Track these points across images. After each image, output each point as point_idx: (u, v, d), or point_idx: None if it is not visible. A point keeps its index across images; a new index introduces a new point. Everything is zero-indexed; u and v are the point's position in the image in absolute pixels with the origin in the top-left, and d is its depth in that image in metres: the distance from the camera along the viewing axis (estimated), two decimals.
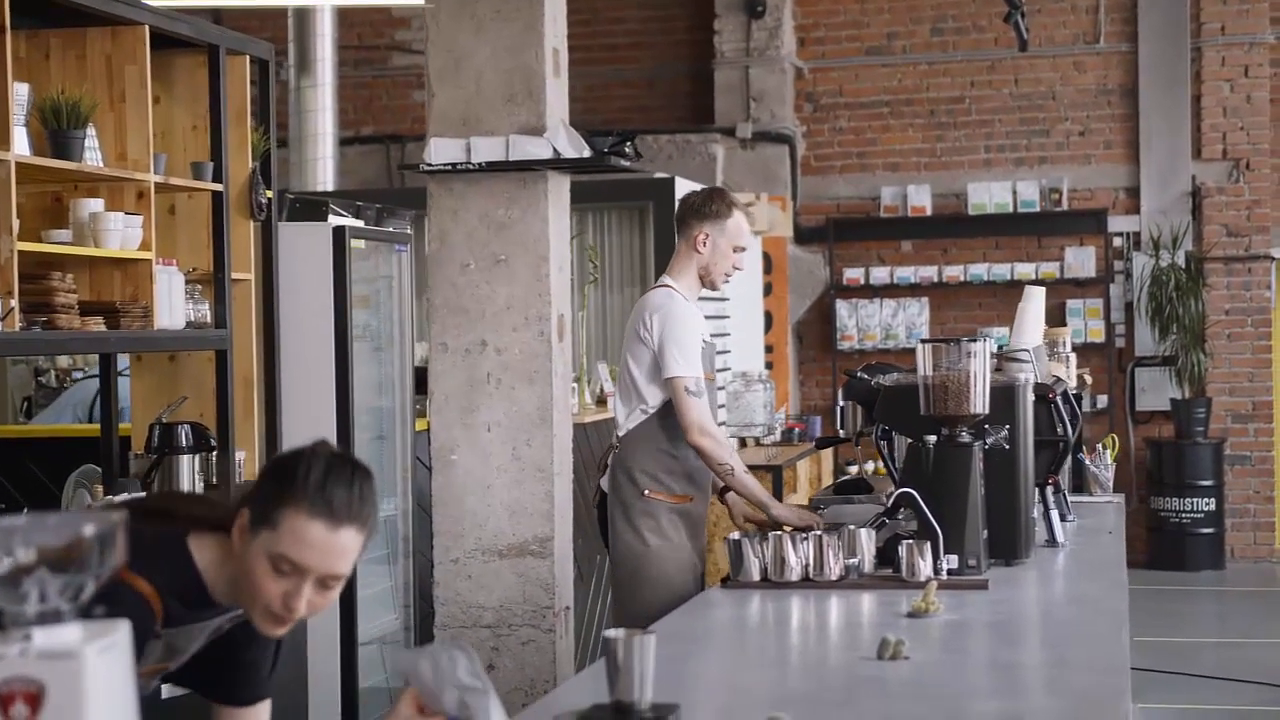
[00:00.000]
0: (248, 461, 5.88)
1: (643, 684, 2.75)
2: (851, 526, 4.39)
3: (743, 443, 10.16)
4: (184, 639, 2.76)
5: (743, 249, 5.38)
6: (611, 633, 2.74)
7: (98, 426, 5.82)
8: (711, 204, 5.35)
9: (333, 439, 6.41)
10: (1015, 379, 4.67)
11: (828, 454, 11.44)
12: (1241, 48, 12.59)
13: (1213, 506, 12.31)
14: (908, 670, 3.20)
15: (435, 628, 5.70)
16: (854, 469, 12.19)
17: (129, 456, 5.66)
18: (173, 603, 2.66)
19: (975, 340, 4.43)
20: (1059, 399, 5.04)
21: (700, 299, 8.32)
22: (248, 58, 5.87)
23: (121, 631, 1.78)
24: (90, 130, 4.90)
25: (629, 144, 6.22)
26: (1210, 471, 12.33)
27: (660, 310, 5.21)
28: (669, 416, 5.20)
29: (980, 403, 4.40)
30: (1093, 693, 2.97)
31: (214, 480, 5.62)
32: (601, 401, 8.18)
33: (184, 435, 5.43)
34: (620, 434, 5.34)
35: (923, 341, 4.47)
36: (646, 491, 5.23)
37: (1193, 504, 12.29)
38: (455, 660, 2.57)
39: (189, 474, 5.43)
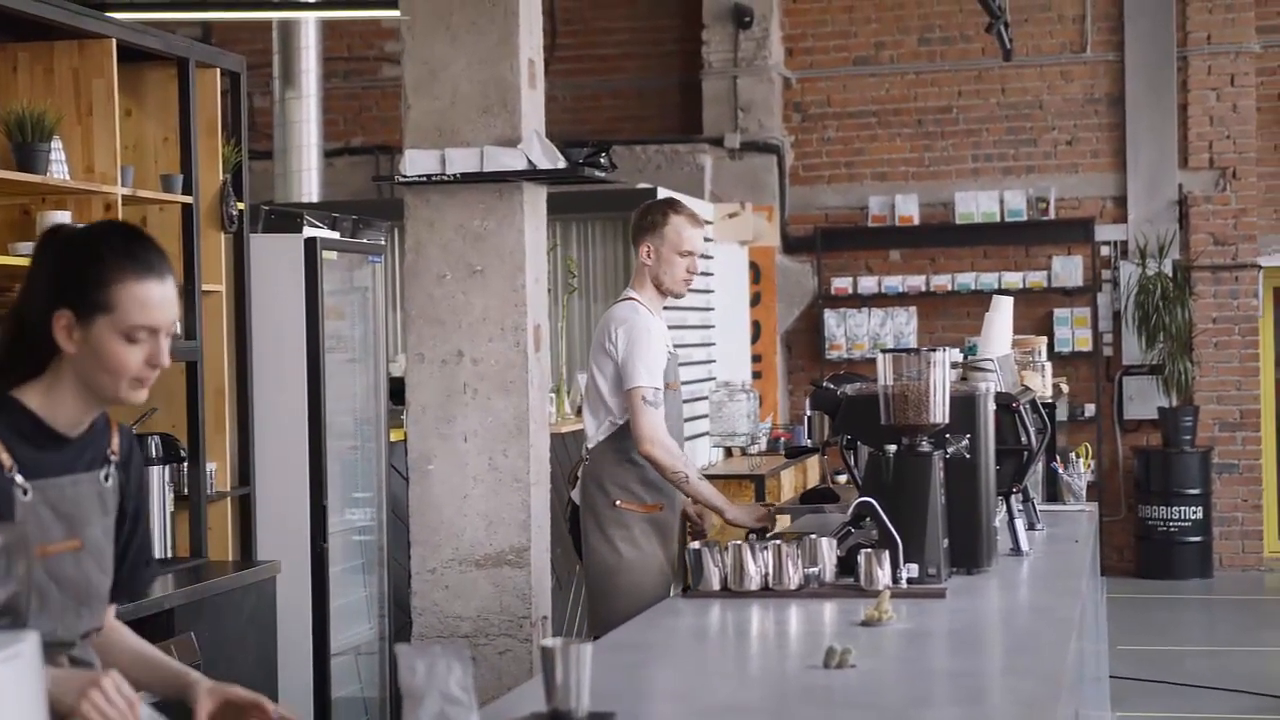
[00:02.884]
0: (219, 473, 5.89)
1: (579, 693, 2.77)
2: (813, 535, 4.41)
3: (727, 452, 10.18)
4: (61, 495, 2.74)
5: (689, 253, 5.38)
6: (548, 642, 2.76)
7: None
8: (647, 216, 5.42)
9: (305, 449, 6.49)
10: (976, 388, 4.68)
11: (814, 463, 11.44)
12: (1228, 56, 12.61)
13: (1200, 515, 12.31)
14: (853, 678, 3.21)
15: (413, 638, 5.71)
16: (842, 478, 12.19)
17: None
18: (21, 448, 2.69)
19: (935, 350, 4.44)
20: (1024, 408, 5.05)
21: (681, 308, 8.33)
22: (218, 70, 5.89)
23: (29, 642, 1.80)
24: (56, 143, 4.92)
25: (604, 155, 6.24)
26: (1198, 480, 12.33)
27: (625, 323, 5.28)
28: None
29: (940, 412, 4.41)
30: (1027, 699, 2.98)
31: (185, 492, 5.64)
32: (580, 411, 8.19)
33: (154, 446, 5.44)
34: (589, 445, 5.40)
35: (883, 351, 4.48)
36: (618, 502, 5.28)
37: (1180, 512, 12.29)
38: (451, 669, 2.58)
39: (159, 485, 5.44)
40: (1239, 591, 11.99)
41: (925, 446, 4.43)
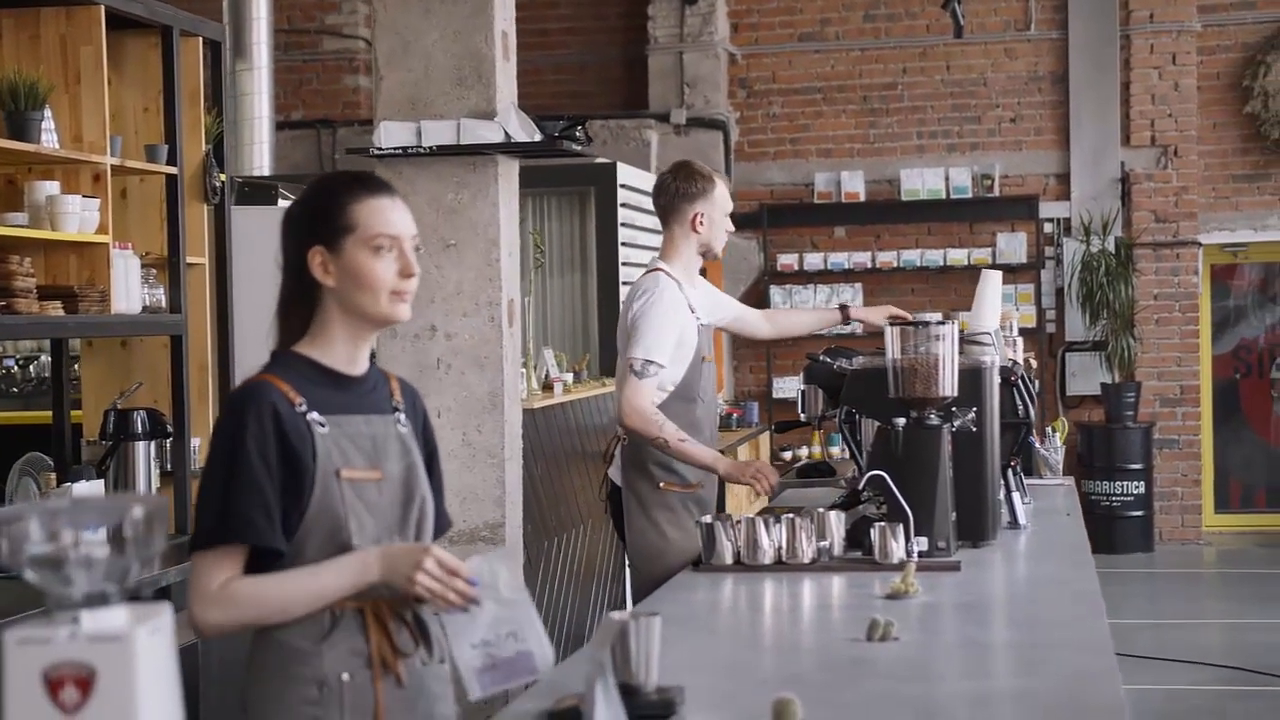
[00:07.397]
0: (203, 448, 5.81)
1: (649, 666, 2.75)
2: (821, 509, 4.40)
3: None
4: (357, 430, 2.87)
5: (730, 213, 5.47)
6: (618, 615, 2.73)
7: (49, 414, 5.72)
8: (696, 182, 5.35)
9: None
10: (981, 361, 4.69)
11: (765, 439, 11.48)
12: (1170, 35, 12.72)
13: (1142, 490, 12.45)
14: (899, 651, 3.21)
15: None
16: (788, 454, 12.24)
17: (80, 443, 5.58)
18: (310, 389, 2.85)
19: (944, 323, 4.44)
20: (1020, 380, 5.07)
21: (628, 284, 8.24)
22: (201, 39, 5.79)
23: (165, 615, 1.76)
24: (47, 112, 4.82)
25: (579, 128, 6.21)
26: (1139, 455, 12.47)
27: (645, 294, 5.18)
28: (676, 405, 5.14)
29: (949, 385, 4.41)
30: (1083, 671, 2.99)
31: (169, 467, 5.55)
32: (548, 387, 8.15)
33: (139, 422, 5.36)
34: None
35: (891, 324, 4.47)
36: (662, 484, 5.16)
37: (1122, 487, 12.43)
38: (496, 574, 2.59)
39: (144, 461, 5.36)
40: (1179, 565, 12.14)
41: (934, 419, 4.43)
